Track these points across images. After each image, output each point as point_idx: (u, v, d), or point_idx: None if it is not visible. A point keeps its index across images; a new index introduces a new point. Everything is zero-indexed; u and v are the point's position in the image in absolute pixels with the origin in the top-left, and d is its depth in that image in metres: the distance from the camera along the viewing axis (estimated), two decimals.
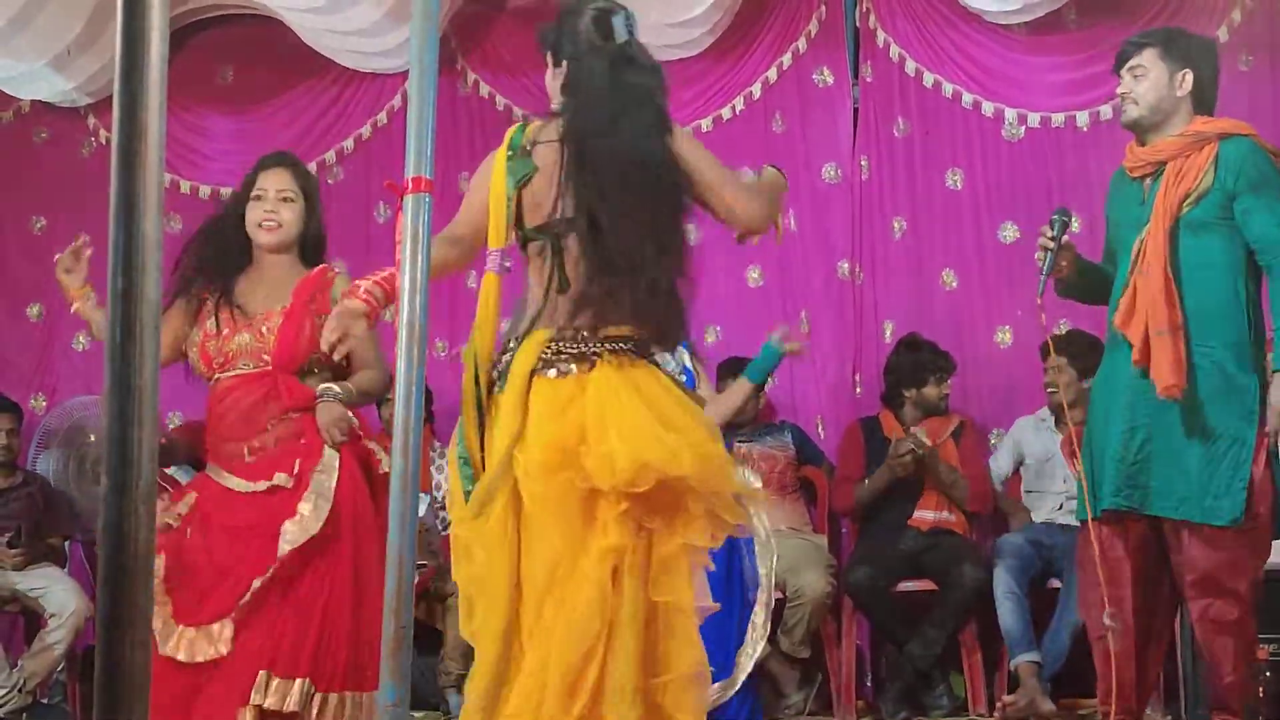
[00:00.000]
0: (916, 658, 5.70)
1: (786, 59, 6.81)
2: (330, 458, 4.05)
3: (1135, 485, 4.10)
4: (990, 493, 6.12)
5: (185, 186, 7.20)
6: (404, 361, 2.47)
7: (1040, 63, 6.58)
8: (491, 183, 3.28)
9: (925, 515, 5.94)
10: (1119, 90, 4.28)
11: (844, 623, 5.90)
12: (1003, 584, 5.66)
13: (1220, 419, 4.04)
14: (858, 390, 6.63)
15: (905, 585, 5.90)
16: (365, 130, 7.12)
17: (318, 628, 3.91)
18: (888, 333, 6.62)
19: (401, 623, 2.39)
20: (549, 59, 3.50)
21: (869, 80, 6.78)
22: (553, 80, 3.47)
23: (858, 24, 6.80)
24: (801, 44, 6.80)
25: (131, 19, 1.25)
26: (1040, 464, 6.05)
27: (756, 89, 6.83)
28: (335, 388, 4.08)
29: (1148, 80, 4.22)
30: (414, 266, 2.49)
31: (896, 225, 6.68)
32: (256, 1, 6.42)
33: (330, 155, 7.18)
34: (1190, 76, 4.23)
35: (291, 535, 3.92)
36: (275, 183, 4.25)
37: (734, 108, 6.83)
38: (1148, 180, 4.25)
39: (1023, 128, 6.57)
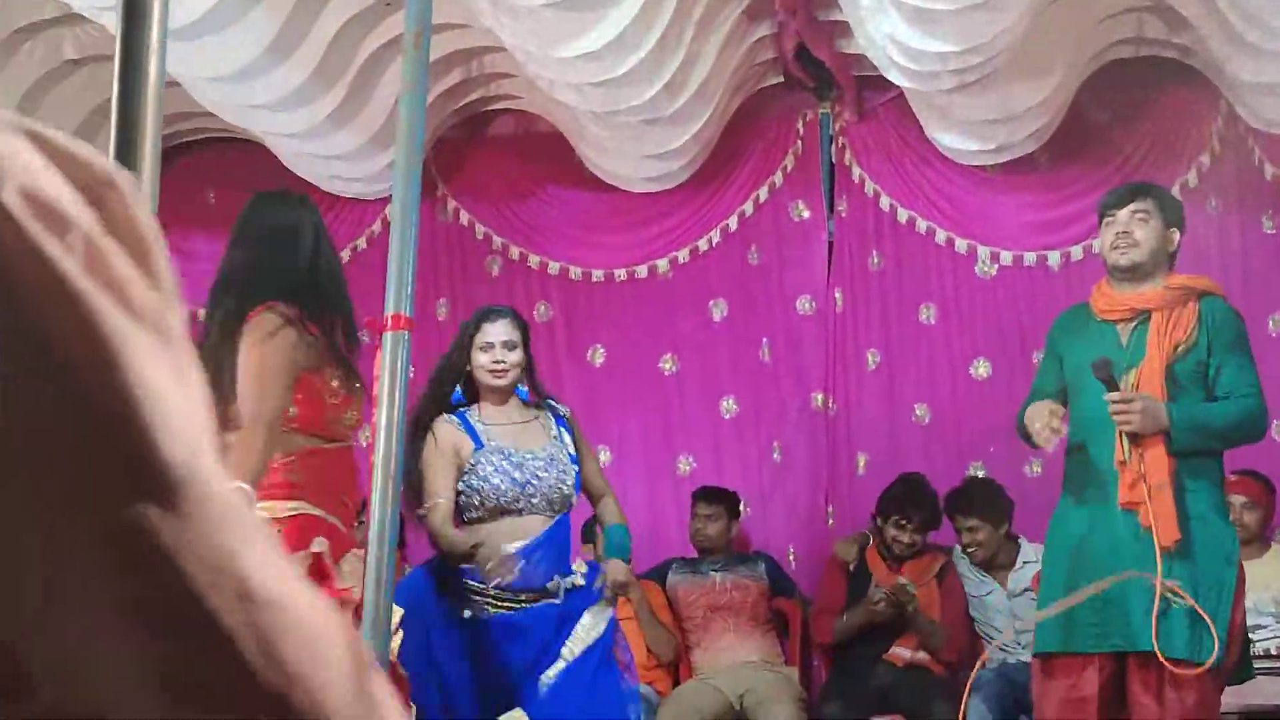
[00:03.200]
0: None
1: (763, 192, 6.89)
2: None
3: (1120, 624, 4.11)
4: (966, 640, 6.10)
5: None
6: (379, 497, 2.49)
7: (1013, 202, 6.68)
8: None
9: (902, 653, 5.90)
10: (1113, 229, 4.33)
11: None
12: (976, 717, 5.63)
13: (1203, 562, 4.09)
14: (830, 522, 6.64)
15: None
16: (344, 255, 7.10)
17: None
18: (860, 464, 6.65)
19: None
20: None
21: (844, 215, 6.86)
22: None
23: (833, 159, 6.90)
24: (778, 178, 6.89)
25: (125, 146, 1.28)
26: (981, 605, 6.08)
27: (733, 221, 6.90)
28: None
29: (1149, 226, 4.31)
30: (390, 405, 2.52)
31: (870, 358, 6.73)
32: (239, 126, 6.47)
33: None
34: (1177, 236, 4.34)
35: None
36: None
37: (710, 240, 6.91)
38: (1123, 325, 4.31)
39: (995, 265, 6.65)
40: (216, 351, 3.40)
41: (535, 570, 4.17)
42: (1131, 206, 4.34)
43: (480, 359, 4.42)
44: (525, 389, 4.49)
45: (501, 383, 4.39)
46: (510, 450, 4.30)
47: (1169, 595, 4.05)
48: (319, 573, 3.44)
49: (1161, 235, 4.32)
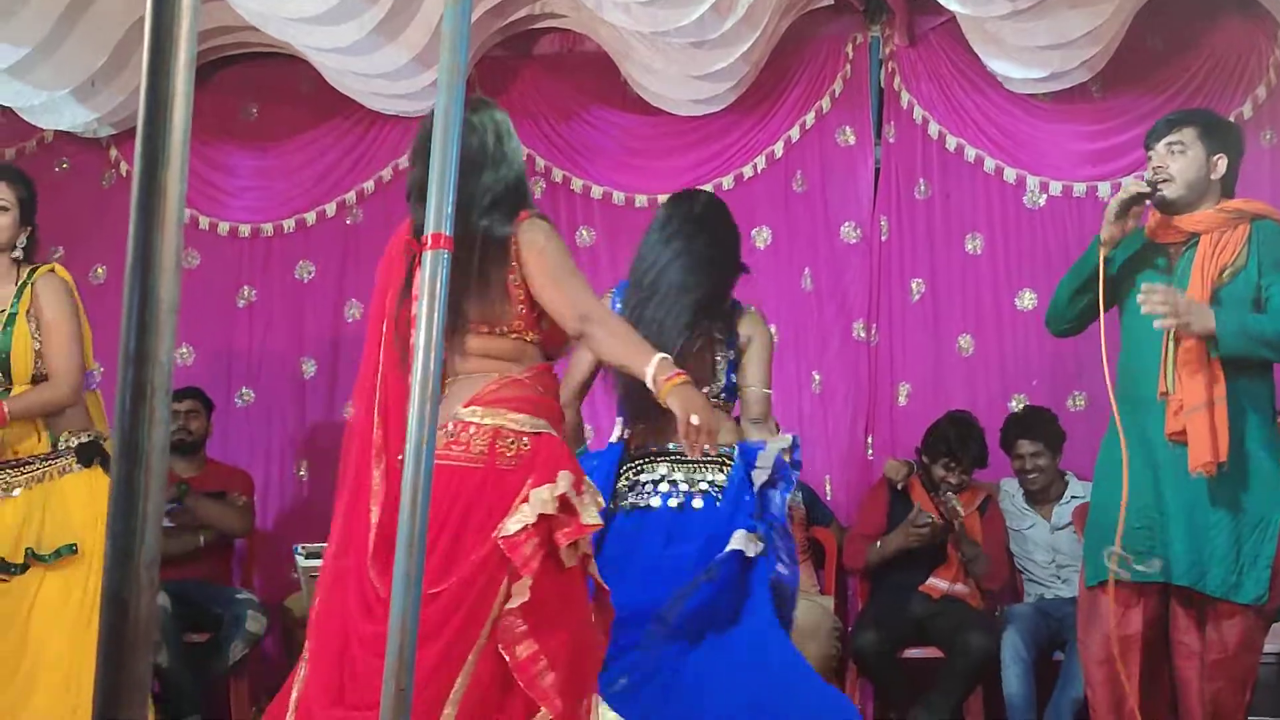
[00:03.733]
0: None
1: (810, 118, 6.81)
2: None
3: (1157, 556, 4.07)
4: (1008, 570, 6.09)
5: (204, 223, 7.18)
6: (416, 420, 2.44)
7: (1064, 131, 6.57)
8: None
9: (938, 584, 5.88)
10: (1152, 164, 4.26)
11: (848, 687, 5.84)
12: (1010, 650, 5.63)
13: (1247, 496, 4.06)
14: (869, 453, 6.60)
15: (911, 652, 5.86)
16: (386, 173, 7.11)
17: None
18: (902, 395, 6.60)
19: (401, 685, 2.35)
20: None
21: (891, 141, 6.78)
22: None
23: (882, 84, 6.81)
24: (825, 103, 6.80)
25: (158, 57, 1.24)
26: (1024, 538, 6.06)
27: (779, 148, 6.82)
28: None
29: (1185, 158, 4.22)
30: (429, 325, 2.46)
31: (915, 287, 6.67)
32: (282, 40, 6.41)
33: (351, 196, 7.17)
34: (1224, 162, 4.25)
35: None
36: None
37: (755, 166, 6.83)
38: (1174, 248, 4.25)
39: (1044, 195, 6.57)
40: (484, 265, 3.33)
41: None
42: (1167, 140, 4.26)
43: None
44: None
45: None
46: None
47: (1116, 559, 4.02)
48: (567, 508, 3.25)
49: (1203, 164, 4.23)
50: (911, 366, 6.63)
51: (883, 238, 6.71)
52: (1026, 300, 6.55)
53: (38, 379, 4.39)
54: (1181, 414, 4.04)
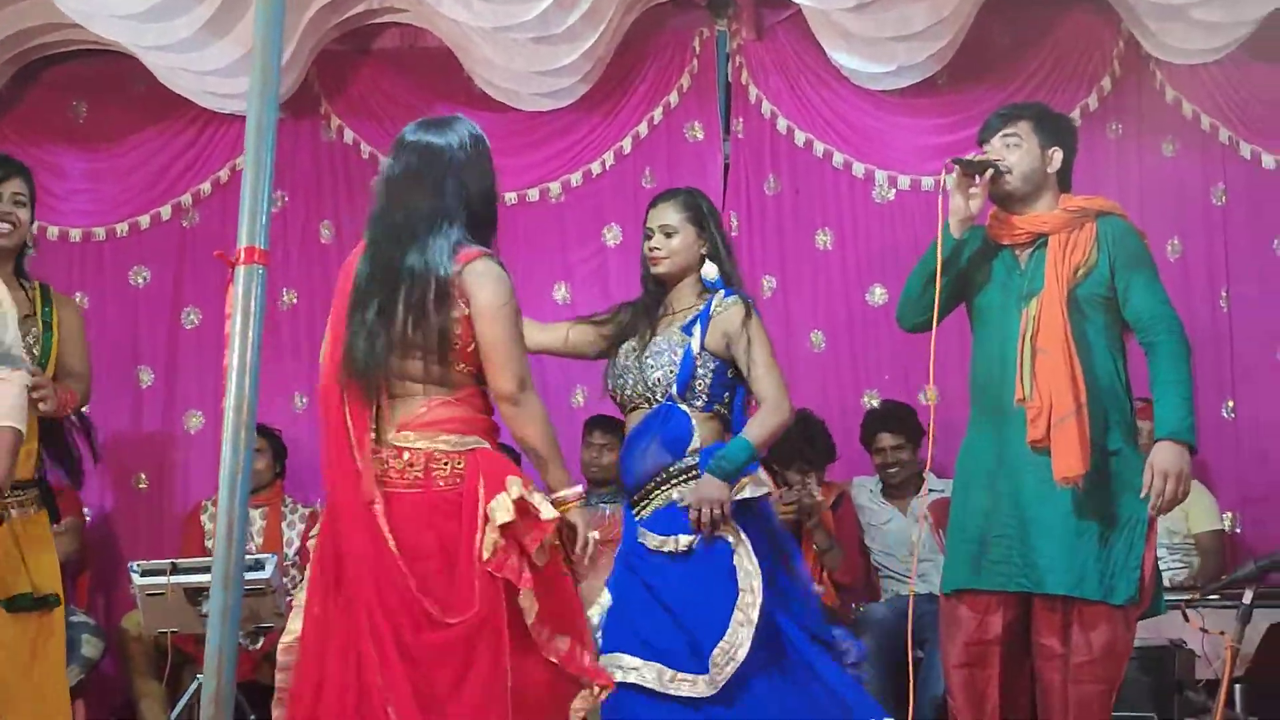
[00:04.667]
0: None
1: (658, 113, 6.72)
2: None
3: (1028, 565, 4.03)
4: (861, 566, 6.05)
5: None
6: (230, 447, 2.30)
7: (912, 125, 6.55)
8: None
9: None
10: (986, 158, 4.21)
11: None
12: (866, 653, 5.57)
13: (1114, 497, 4.03)
14: None
15: None
16: (224, 174, 6.88)
17: None
18: None
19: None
20: None
21: (740, 136, 6.71)
22: None
23: (730, 79, 6.73)
24: (673, 98, 6.72)
25: None
26: (881, 533, 6.03)
27: (627, 143, 6.73)
28: None
29: (1021, 150, 4.19)
30: (244, 343, 2.33)
31: (766, 284, 6.61)
32: (108, 39, 6.18)
33: (187, 198, 6.94)
34: (1059, 155, 4.22)
35: None
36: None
37: (604, 162, 6.73)
38: (1019, 250, 4.20)
39: (893, 190, 6.55)
40: (421, 300, 3.29)
41: None
42: (1002, 133, 4.22)
43: None
44: None
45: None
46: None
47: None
48: (525, 513, 3.28)
49: (1038, 156, 4.20)
50: None
51: (733, 234, 6.63)
52: (877, 296, 6.52)
53: None
54: (1040, 421, 4.00)
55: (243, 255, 2.37)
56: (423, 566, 3.18)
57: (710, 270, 4.31)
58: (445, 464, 3.28)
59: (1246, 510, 6.25)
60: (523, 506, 3.23)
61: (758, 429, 4.18)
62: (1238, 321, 6.31)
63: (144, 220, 6.93)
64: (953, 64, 6.38)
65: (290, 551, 6.28)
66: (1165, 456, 3.96)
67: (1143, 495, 3.97)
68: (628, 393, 4.32)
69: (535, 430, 3.36)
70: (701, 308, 4.27)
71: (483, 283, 3.29)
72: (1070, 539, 4.00)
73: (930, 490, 5.98)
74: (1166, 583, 4.78)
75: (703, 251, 4.33)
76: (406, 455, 3.28)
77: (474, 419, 3.36)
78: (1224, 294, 6.32)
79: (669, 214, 4.38)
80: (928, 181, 6.46)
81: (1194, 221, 6.38)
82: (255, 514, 6.33)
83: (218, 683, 2.21)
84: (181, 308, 6.89)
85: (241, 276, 2.36)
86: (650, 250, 4.35)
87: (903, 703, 5.39)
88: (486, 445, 3.36)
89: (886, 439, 6.02)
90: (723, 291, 4.27)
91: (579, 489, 3.40)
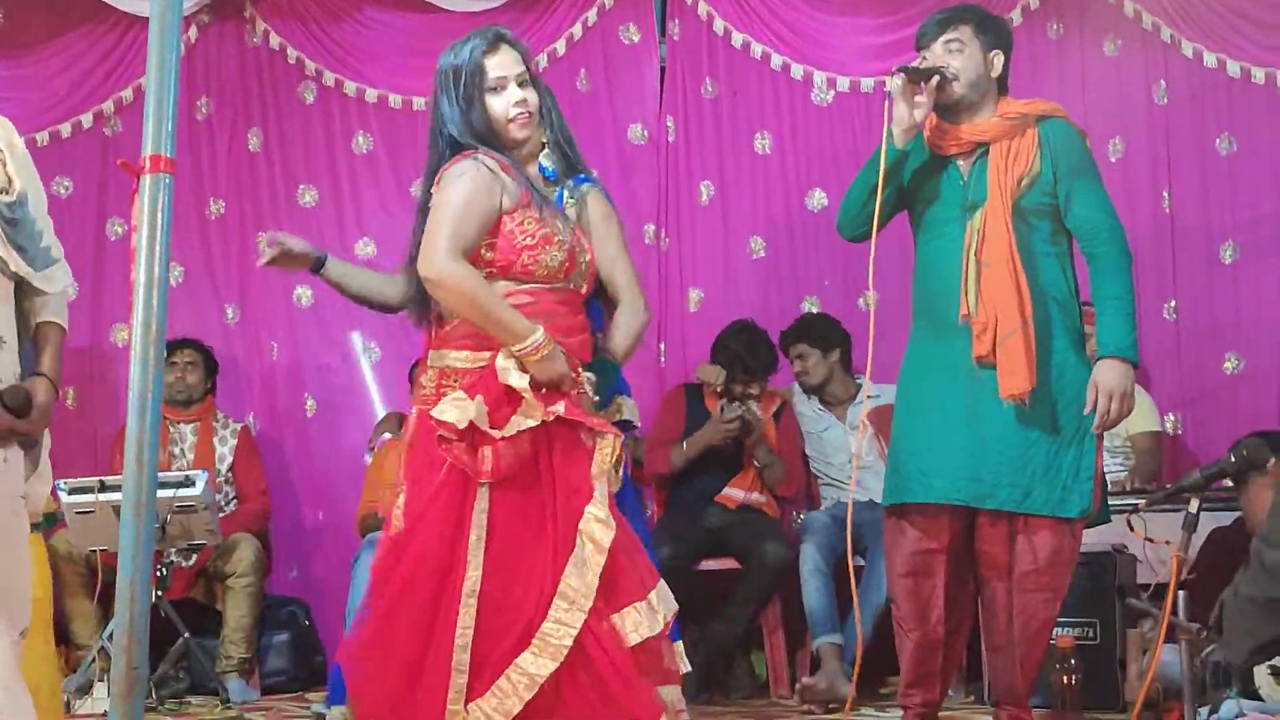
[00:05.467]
0: (719, 637, 5.56)
1: (592, 15, 6.57)
2: None
3: (975, 479, 3.97)
4: (803, 477, 6.01)
5: None
6: (139, 366, 2.18)
7: (850, 25, 6.44)
8: None
9: (735, 493, 5.79)
10: (929, 64, 4.09)
11: None
12: (809, 562, 5.55)
13: (1064, 411, 3.97)
14: (662, 360, 6.45)
15: (708, 563, 5.76)
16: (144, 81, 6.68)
17: None
18: (693, 300, 6.47)
19: (134, 663, 2.11)
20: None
21: (676, 39, 6.57)
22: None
23: None
24: None
25: None
26: (820, 441, 5.99)
27: (560, 45, 6.57)
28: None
29: (964, 55, 4.07)
30: (151, 256, 2.20)
31: (704, 189, 6.50)
32: None
33: (109, 105, 6.75)
34: (1000, 59, 4.12)
35: None
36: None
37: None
38: (962, 160, 4.10)
39: (832, 92, 6.43)
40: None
41: None
42: (943, 39, 4.09)
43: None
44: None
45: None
46: None
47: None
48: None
49: (981, 61, 4.09)
50: (702, 271, 6.49)
51: (670, 139, 6.52)
52: (817, 200, 6.43)
53: None
54: (986, 337, 3.93)
55: (148, 164, 2.23)
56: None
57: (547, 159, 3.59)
58: (455, 380, 3.31)
59: (1187, 411, 6.24)
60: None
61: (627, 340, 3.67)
62: (1180, 221, 6.25)
63: (65, 129, 6.73)
64: None
65: (223, 468, 6.18)
66: (1108, 375, 3.91)
67: (1086, 413, 3.93)
68: None
69: (456, 304, 3.29)
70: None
71: (440, 184, 3.36)
72: (1018, 452, 3.95)
73: (869, 397, 5.94)
74: (1108, 485, 4.76)
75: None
76: (429, 373, 3.37)
77: (483, 335, 3.30)
78: (1166, 194, 6.25)
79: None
80: (867, 83, 6.37)
81: (1136, 121, 6.30)
82: (187, 430, 6.23)
83: (130, 614, 2.11)
84: (106, 218, 6.72)
85: (148, 186, 2.23)
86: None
87: (847, 610, 5.41)
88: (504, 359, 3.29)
89: (791, 350, 5.98)
90: (572, 181, 3.63)
91: (535, 339, 3.23)
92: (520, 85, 3.45)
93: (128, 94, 6.73)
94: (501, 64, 3.44)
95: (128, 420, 2.19)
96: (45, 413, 2.98)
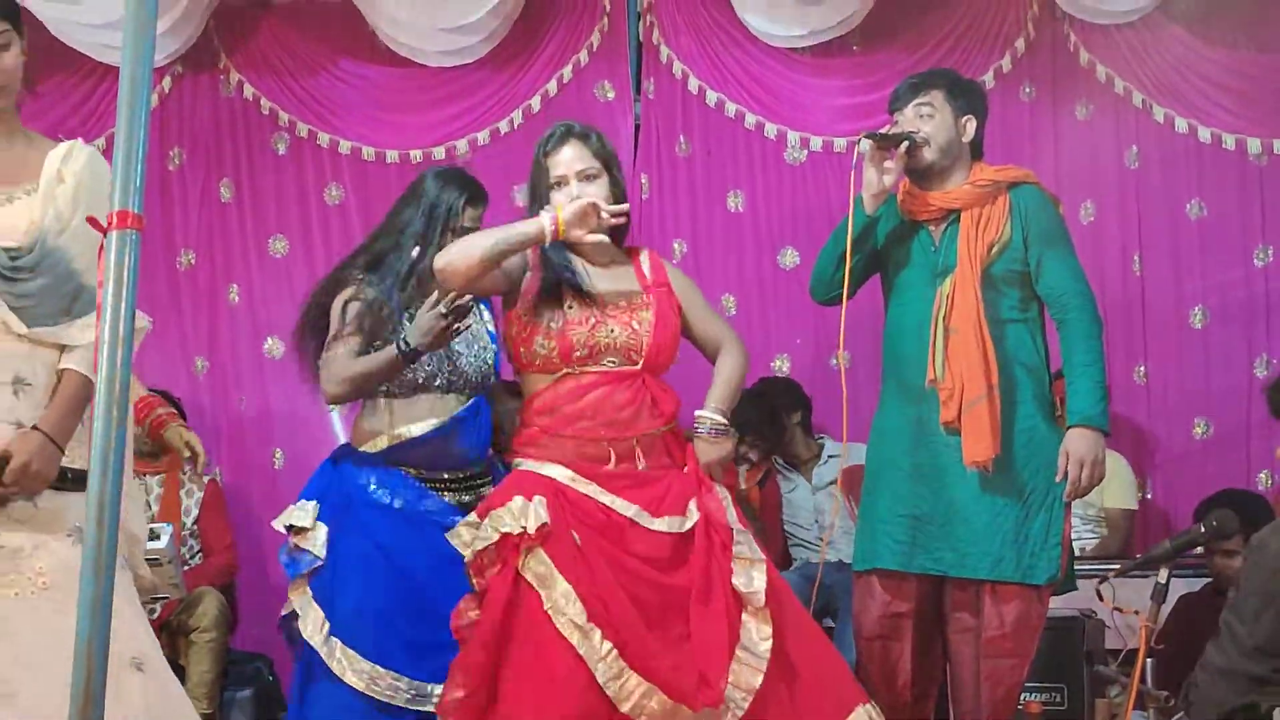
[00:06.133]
0: None
1: (567, 71, 6.57)
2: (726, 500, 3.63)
3: (948, 547, 3.96)
4: (781, 543, 5.98)
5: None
6: (102, 422, 2.16)
7: (824, 86, 6.45)
8: None
9: None
10: (901, 130, 4.10)
11: None
12: None
13: (1032, 478, 3.96)
14: None
15: None
16: None
17: None
18: None
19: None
20: None
21: (651, 97, 6.59)
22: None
23: (641, 38, 6.60)
24: (583, 56, 6.57)
25: None
26: (788, 502, 5.98)
27: (536, 102, 6.57)
28: (717, 417, 3.67)
29: (935, 121, 4.09)
30: (116, 314, 2.18)
31: (677, 247, 6.50)
32: None
33: None
34: (973, 124, 4.13)
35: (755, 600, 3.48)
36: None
37: (512, 121, 6.56)
38: (933, 226, 4.11)
39: (805, 151, 6.45)
40: None
41: None
42: (915, 103, 4.12)
43: None
44: None
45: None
46: None
47: None
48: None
49: (952, 126, 4.11)
50: None
51: (643, 196, 6.52)
52: (789, 258, 6.43)
53: None
54: (952, 403, 3.93)
55: (115, 220, 2.21)
56: None
57: None
58: None
59: (1156, 475, 6.25)
60: None
61: None
62: (1150, 285, 6.28)
63: None
64: (865, 24, 6.28)
65: (189, 520, 6.12)
66: (1079, 444, 3.91)
67: (1058, 480, 3.92)
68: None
69: (461, 262, 3.56)
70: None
71: None
72: (987, 520, 3.95)
73: (830, 456, 5.94)
74: (1076, 551, 4.75)
75: None
76: None
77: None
78: (1136, 258, 6.28)
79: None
80: (840, 143, 6.38)
81: (1108, 185, 6.33)
82: (153, 482, 6.15)
83: (88, 677, 2.08)
84: None
85: (114, 243, 2.21)
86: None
87: None
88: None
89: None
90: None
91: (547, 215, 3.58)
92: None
93: (99, 143, 6.68)
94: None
95: (90, 476, 2.16)
96: (24, 472, 2.87)
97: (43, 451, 2.89)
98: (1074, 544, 4.37)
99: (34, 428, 2.91)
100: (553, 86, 6.58)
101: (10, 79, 3.13)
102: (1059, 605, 4.44)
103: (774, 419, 5.92)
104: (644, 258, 3.85)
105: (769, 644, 3.40)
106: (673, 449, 3.65)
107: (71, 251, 3.02)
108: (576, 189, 3.68)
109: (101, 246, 2.27)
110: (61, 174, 3.09)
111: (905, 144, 4.03)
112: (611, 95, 6.59)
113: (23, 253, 2.99)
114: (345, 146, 6.66)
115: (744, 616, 3.43)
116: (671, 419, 3.66)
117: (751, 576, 3.47)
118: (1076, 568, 4.26)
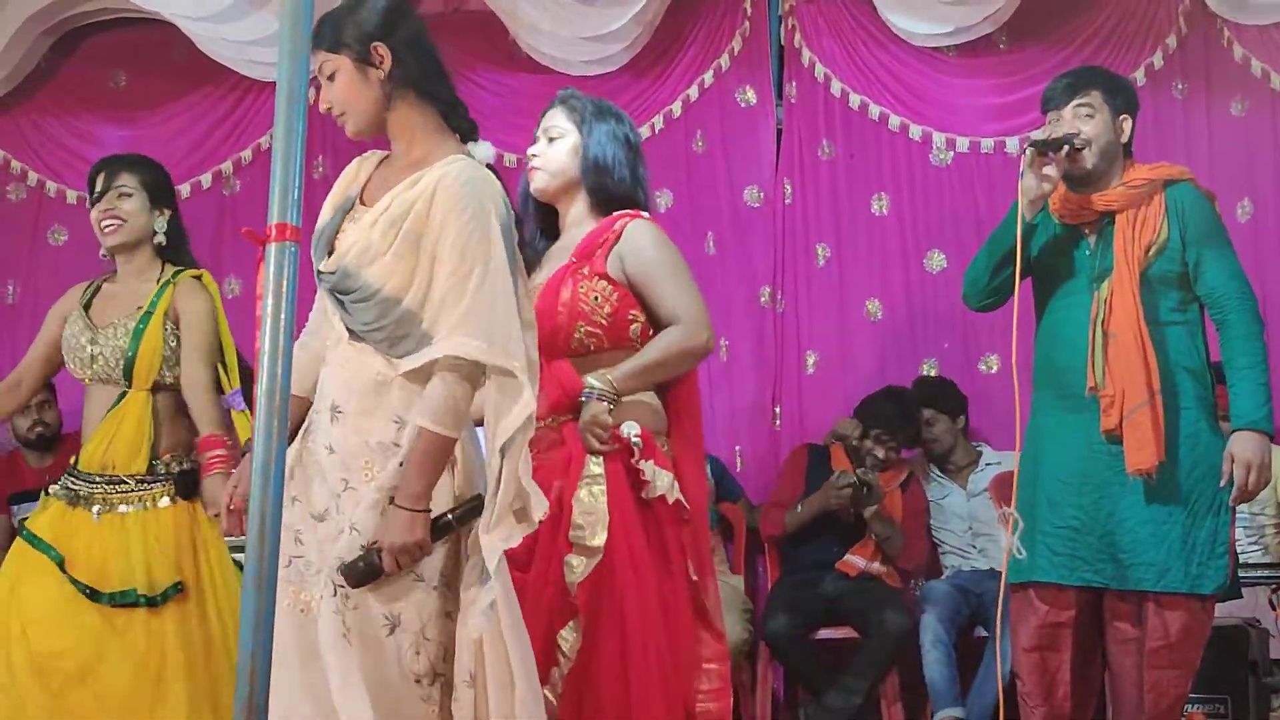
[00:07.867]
0: (835, 709, 5.40)
1: (708, 77, 6.53)
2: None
3: (1110, 560, 3.87)
4: (926, 549, 5.87)
5: (72, 196, 6.84)
6: (262, 435, 2.16)
7: (970, 86, 6.35)
8: None
9: (855, 561, 5.64)
10: (1061, 132, 3.99)
11: (760, 670, 5.64)
12: (930, 632, 5.43)
13: (1197, 484, 3.86)
14: (777, 423, 6.35)
15: (825, 633, 5.64)
16: (265, 140, 6.74)
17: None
18: (810, 363, 6.37)
19: None
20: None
21: (793, 100, 6.52)
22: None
23: (782, 42, 6.54)
24: (724, 61, 6.53)
25: None
26: (940, 509, 5.88)
27: (677, 107, 6.54)
28: (595, 382, 3.45)
29: (1095, 121, 3.99)
30: (276, 326, 2.18)
31: (820, 251, 6.43)
32: (149, 8, 6.05)
33: (227, 166, 6.84)
34: (1129, 124, 4.03)
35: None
36: None
37: (653, 126, 6.53)
38: (1088, 229, 4.01)
39: (951, 152, 6.34)
40: None
41: None
42: (1075, 103, 4.01)
43: None
44: None
45: None
46: None
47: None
48: None
49: (1111, 126, 4.00)
50: (819, 334, 6.39)
51: (786, 201, 6.46)
52: (935, 262, 6.33)
53: (160, 386, 4.03)
54: (1114, 411, 3.83)
55: (274, 232, 2.22)
56: None
57: None
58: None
59: None
60: None
61: None
62: None
63: (185, 189, 6.78)
64: (1012, 21, 6.17)
65: None
66: (1244, 447, 3.79)
67: (1223, 485, 3.81)
68: None
69: None
70: None
71: None
72: (1151, 529, 3.84)
73: (988, 464, 5.84)
74: (1241, 560, 4.63)
75: None
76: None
77: None
78: None
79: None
80: (988, 143, 6.28)
81: (1265, 181, 6.16)
82: None
83: (250, 690, 2.08)
84: (224, 277, 6.76)
85: (273, 255, 2.21)
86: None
87: (969, 682, 5.30)
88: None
89: (923, 415, 5.88)
90: None
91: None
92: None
93: (246, 154, 6.82)
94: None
95: (251, 490, 2.17)
96: (397, 555, 2.82)
97: (410, 526, 2.82)
98: (1239, 555, 4.26)
99: (391, 500, 2.86)
100: (694, 92, 6.55)
101: (342, 106, 3.10)
102: (1223, 615, 4.31)
103: (908, 418, 5.82)
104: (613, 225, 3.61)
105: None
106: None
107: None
108: (538, 148, 3.72)
109: (259, 260, 2.28)
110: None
111: (1065, 148, 3.93)
112: (753, 100, 6.54)
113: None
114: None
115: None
116: (555, 411, 3.46)
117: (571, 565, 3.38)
118: (1241, 575, 4.14)
